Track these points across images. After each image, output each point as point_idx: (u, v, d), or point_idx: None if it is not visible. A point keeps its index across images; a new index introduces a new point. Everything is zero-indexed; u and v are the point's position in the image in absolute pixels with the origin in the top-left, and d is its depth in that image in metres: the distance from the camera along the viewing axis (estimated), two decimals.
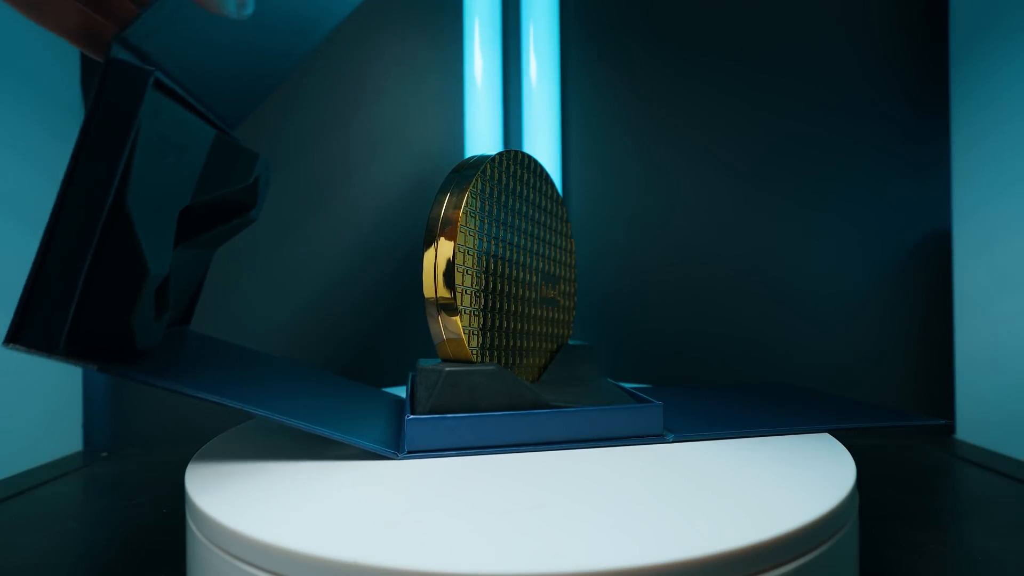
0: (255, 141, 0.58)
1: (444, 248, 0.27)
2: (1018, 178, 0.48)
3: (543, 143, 0.55)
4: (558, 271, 0.36)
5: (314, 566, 0.17)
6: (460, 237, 0.27)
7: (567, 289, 0.37)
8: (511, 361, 0.31)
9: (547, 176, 0.34)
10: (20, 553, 0.30)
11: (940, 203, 0.57)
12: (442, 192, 0.28)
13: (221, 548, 0.19)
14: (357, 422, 0.28)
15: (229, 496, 0.21)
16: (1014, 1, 0.48)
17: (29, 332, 0.19)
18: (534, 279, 0.33)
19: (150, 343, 0.23)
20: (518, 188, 0.32)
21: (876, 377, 0.58)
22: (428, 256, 0.27)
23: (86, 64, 0.56)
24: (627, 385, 0.35)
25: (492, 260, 0.30)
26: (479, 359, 0.28)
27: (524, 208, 0.32)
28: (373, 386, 0.39)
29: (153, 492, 0.39)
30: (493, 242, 0.30)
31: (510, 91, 0.57)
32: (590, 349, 0.36)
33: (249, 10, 0.23)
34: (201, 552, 0.20)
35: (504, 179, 0.30)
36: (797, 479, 0.23)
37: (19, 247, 0.48)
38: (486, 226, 0.29)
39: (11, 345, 0.19)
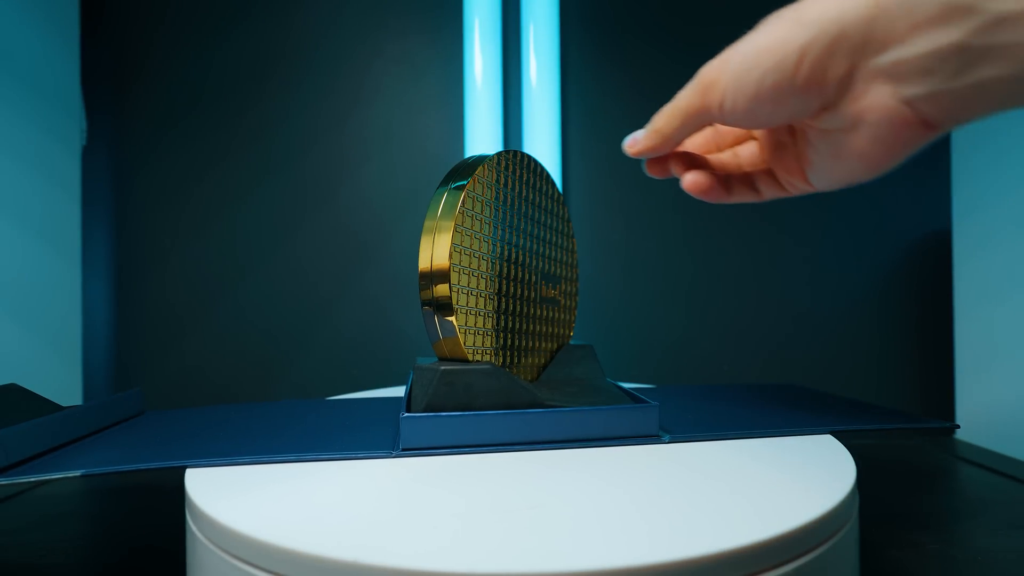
0: (254, 141, 0.58)
1: (441, 247, 0.27)
2: (1018, 178, 0.48)
3: (543, 143, 0.55)
4: (559, 271, 0.36)
5: (314, 566, 0.17)
6: (457, 237, 0.27)
7: (568, 289, 0.37)
8: (510, 360, 0.31)
9: (547, 176, 0.34)
10: (20, 553, 0.30)
11: (940, 203, 0.57)
12: (440, 192, 0.28)
13: (221, 548, 0.19)
14: (346, 435, 0.28)
15: (229, 496, 0.21)
16: None
17: None
18: (533, 279, 0.33)
19: None
20: (518, 188, 0.32)
21: (876, 377, 0.58)
22: (424, 255, 0.27)
23: (86, 64, 0.56)
24: (627, 385, 0.35)
25: (490, 260, 0.29)
26: (475, 358, 0.28)
27: (524, 208, 0.32)
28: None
29: (153, 492, 0.39)
30: (491, 242, 0.30)
31: (510, 91, 0.57)
32: (590, 349, 0.36)
33: None
34: (201, 552, 0.20)
35: (503, 179, 0.30)
36: (797, 479, 0.23)
37: (19, 246, 0.48)
38: (484, 226, 0.29)
39: None
